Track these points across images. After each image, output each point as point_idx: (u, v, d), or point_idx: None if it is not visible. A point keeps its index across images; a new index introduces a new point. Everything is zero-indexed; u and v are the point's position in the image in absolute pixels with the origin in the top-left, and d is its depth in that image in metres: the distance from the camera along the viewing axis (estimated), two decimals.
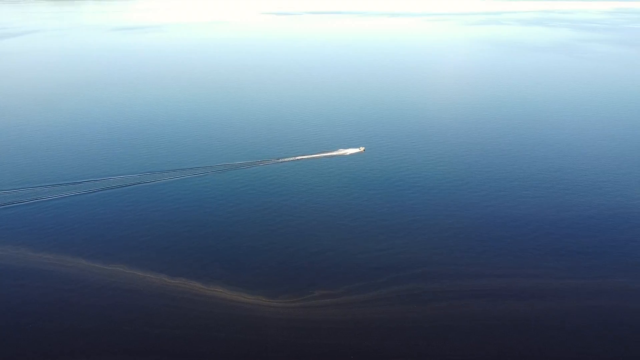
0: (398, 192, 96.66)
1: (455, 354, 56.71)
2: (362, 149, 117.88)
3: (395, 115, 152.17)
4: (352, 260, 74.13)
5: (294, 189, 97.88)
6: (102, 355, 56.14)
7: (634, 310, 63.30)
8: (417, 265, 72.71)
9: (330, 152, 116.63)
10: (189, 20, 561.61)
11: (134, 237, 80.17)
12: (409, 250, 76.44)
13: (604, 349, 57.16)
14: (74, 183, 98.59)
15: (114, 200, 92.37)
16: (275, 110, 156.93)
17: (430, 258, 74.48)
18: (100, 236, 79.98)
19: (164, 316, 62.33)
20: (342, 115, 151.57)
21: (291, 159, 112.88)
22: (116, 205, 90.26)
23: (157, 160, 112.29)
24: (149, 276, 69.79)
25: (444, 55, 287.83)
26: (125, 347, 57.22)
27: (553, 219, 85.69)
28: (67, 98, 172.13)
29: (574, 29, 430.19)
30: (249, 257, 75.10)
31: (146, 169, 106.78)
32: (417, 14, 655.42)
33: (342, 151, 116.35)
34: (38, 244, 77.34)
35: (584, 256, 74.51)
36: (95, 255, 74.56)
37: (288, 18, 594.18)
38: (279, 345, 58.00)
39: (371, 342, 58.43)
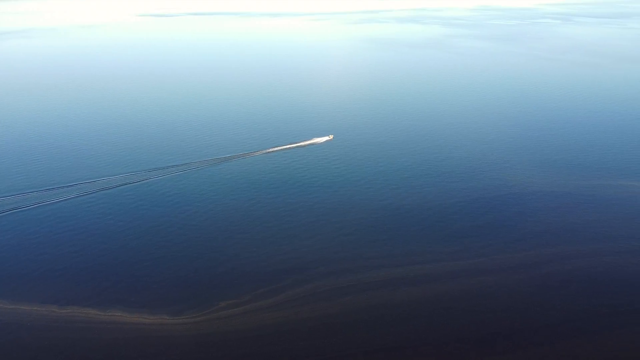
0: (299, 192, 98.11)
1: (365, 344, 59.22)
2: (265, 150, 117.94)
3: (260, 118, 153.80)
4: (256, 266, 74.16)
5: (210, 194, 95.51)
6: None
7: (513, 283, 70.38)
8: (320, 263, 74.65)
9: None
10: (68, 22, 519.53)
11: (12, 266, 73.21)
12: (313, 250, 78.17)
13: (494, 321, 63.03)
14: None
15: None
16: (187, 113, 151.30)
17: (332, 255, 76.75)
18: None
19: (57, 351, 57.84)
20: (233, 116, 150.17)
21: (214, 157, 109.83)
22: None
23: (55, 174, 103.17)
24: (35, 309, 64.25)
25: (329, 54, 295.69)
26: None
27: (441, 206, 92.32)
28: None
29: (445, 25, 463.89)
30: (147, 274, 72.09)
31: (30, 187, 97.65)
32: (298, 13, 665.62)
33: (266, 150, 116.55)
34: None
35: (469, 239, 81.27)
36: None
37: (170, 20, 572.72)
38: None
39: (282, 346, 59.08)
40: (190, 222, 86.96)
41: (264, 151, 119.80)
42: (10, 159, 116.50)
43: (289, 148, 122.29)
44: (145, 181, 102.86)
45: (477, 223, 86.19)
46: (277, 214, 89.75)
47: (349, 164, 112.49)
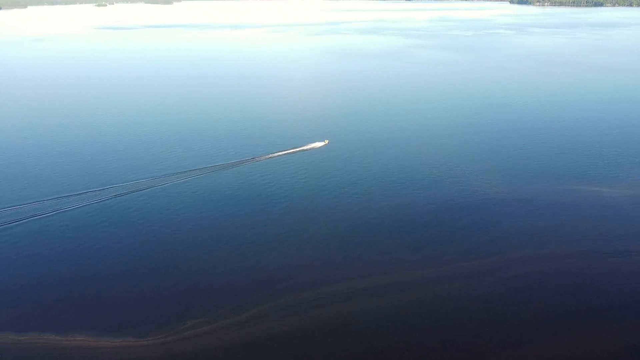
0: (265, 204, 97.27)
1: (337, 357, 58.79)
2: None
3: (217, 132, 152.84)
4: (224, 281, 72.88)
5: (178, 208, 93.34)
6: None
7: (482, 287, 71.52)
8: (290, 276, 73.97)
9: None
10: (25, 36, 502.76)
11: None
12: (281, 263, 77.42)
13: (465, 326, 63.79)
14: None
15: None
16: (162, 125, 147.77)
17: (302, 267, 76.19)
18: None
19: None
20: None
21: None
22: None
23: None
24: None
25: (296, 64, 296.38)
26: None
27: (409, 215, 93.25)
28: None
29: (404, 36, 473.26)
30: (111, 294, 69.73)
31: None
32: (258, 25, 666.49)
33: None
34: None
35: (438, 247, 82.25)
36: None
37: (131, 33, 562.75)
38: None
39: None
40: (156, 237, 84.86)
41: (230, 163, 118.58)
42: None
43: (250, 161, 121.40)
44: (104, 201, 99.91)
45: (445, 231, 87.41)
46: (243, 227, 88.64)
47: (315, 177, 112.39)
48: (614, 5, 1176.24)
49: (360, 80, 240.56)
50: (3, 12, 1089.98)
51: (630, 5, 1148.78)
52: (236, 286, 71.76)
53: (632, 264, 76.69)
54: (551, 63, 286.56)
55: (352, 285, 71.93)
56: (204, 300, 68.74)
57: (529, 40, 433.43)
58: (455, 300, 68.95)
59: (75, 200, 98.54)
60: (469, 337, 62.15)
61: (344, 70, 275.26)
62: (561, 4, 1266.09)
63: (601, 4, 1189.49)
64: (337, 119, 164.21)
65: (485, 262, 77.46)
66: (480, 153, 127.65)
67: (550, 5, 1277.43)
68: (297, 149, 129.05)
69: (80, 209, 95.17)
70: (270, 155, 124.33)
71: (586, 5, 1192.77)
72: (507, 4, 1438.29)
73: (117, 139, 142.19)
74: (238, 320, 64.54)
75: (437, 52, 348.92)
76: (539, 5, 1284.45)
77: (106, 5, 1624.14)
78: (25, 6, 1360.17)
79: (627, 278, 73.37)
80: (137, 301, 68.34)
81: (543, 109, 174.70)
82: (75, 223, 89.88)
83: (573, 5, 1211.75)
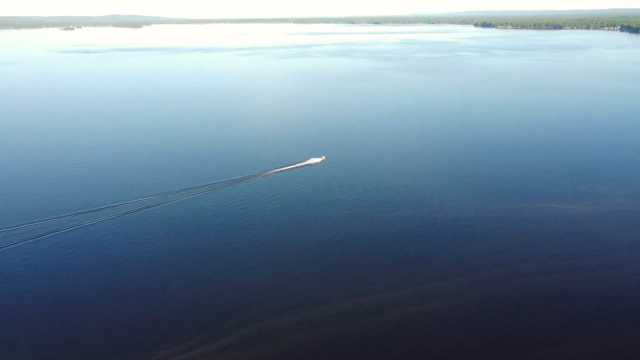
0: (239, 227, 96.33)
1: None
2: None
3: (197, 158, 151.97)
4: (198, 307, 71.46)
5: (149, 234, 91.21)
6: None
7: (454, 307, 72.04)
8: (265, 301, 73.04)
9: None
10: None
11: None
12: (257, 287, 76.51)
13: (438, 345, 63.93)
14: None
15: None
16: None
17: (277, 291, 75.39)
18: None
19: None
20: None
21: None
22: None
23: None
24: None
25: (269, 87, 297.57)
26: None
27: (381, 236, 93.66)
28: None
29: (374, 59, 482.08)
30: (76, 325, 67.35)
31: None
32: (229, 48, 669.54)
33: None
34: None
35: (410, 268, 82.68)
36: None
37: (97, 56, 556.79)
38: None
39: None
40: (128, 263, 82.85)
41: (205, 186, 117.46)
42: None
43: (232, 182, 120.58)
44: (75, 227, 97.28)
45: (417, 251, 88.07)
46: (217, 251, 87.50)
47: (289, 200, 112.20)
48: (572, 28, 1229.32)
49: (336, 101, 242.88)
50: None
51: (588, 28, 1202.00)
52: (210, 312, 70.46)
53: (602, 279, 78.49)
54: (516, 84, 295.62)
55: (327, 309, 71.46)
56: (177, 328, 67.14)
57: (494, 62, 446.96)
58: (432, 320, 69.21)
59: (44, 226, 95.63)
60: (446, 357, 62.24)
61: (318, 91, 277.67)
62: (523, 27, 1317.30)
63: (561, 27, 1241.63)
64: (308, 143, 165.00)
65: (460, 281, 78.24)
66: (451, 173, 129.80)
67: (512, 28, 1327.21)
68: (270, 172, 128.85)
69: (50, 236, 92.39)
70: (235, 179, 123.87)
71: (547, 28, 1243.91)
72: (471, 27, 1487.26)
73: (109, 159, 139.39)
74: (209, 350, 63.10)
75: (407, 74, 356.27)
76: (502, 28, 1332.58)
77: (73, 29, 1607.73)
78: None
79: (598, 292, 75.04)
80: (105, 332, 66.24)
81: (509, 129, 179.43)
82: (44, 249, 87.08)
83: (534, 28, 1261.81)
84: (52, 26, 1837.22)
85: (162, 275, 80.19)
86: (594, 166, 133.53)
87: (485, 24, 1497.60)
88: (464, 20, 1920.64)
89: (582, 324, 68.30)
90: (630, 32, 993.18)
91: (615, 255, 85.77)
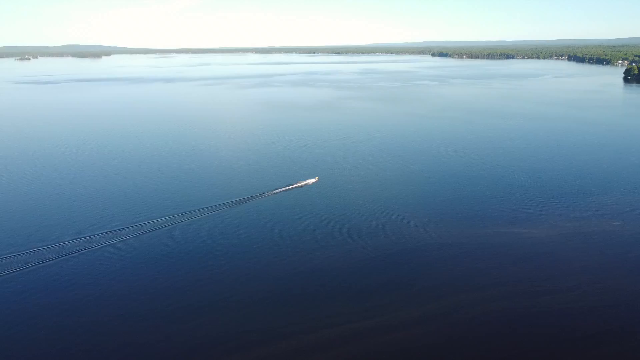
0: (192, 265, 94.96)
1: None
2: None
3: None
4: (151, 352, 69.50)
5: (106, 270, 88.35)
6: None
7: (421, 336, 72.60)
8: (225, 340, 71.59)
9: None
10: None
11: None
12: (216, 325, 75.14)
13: None
14: None
15: None
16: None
17: (238, 329, 74.19)
18: None
19: None
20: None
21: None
22: None
23: None
24: None
25: (232, 117, 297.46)
26: None
27: (344, 266, 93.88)
28: None
29: (335, 88, 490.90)
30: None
31: None
32: (190, 78, 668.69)
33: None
34: None
35: (374, 297, 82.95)
36: None
37: (54, 87, 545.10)
38: None
39: None
40: (97, 302, 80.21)
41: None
42: None
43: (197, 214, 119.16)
44: (64, 256, 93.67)
45: (381, 280, 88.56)
46: (166, 292, 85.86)
47: (248, 234, 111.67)
48: (523, 57, 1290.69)
49: (299, 129, 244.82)
50: None
51: (538, 57, 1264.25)
52: (169, 357, 68.77)
53: (564, 301, 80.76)
54: (472, 112, 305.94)
55: (291, 344, 70.52)
56: None
57: (451, 90, 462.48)
58: (400, 351, 69.41)
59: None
60: None
61: (282, 120, 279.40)
62: (478, 56, 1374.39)
63: (513, 57, 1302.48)
64: (266, 174, 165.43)
65: (423, 310, 78.77)
66: (412, 199, 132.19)
67: (468, 57, 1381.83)
68: (234, 201, 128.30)
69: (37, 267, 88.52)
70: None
71: (500, 58, 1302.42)
72: (429, 57, 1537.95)
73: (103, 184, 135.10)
74: None
75: (369, 103, 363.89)
76: (458, 58, 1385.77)
77: (29, 59, 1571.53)
78: None
79: (561, 314, 77.20)
80: None
81: (467, 155, 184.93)
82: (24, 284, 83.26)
83: (488, 58, 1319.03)
84: (7, 56, 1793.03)
85: (108, 317, 77.79)
86: (548, 191, 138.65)
87: (442, 54, 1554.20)
88: (421, 50, 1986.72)
89: (547, 346, 69.89)
90: (576, 61, 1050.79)
91: (575, 277, 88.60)
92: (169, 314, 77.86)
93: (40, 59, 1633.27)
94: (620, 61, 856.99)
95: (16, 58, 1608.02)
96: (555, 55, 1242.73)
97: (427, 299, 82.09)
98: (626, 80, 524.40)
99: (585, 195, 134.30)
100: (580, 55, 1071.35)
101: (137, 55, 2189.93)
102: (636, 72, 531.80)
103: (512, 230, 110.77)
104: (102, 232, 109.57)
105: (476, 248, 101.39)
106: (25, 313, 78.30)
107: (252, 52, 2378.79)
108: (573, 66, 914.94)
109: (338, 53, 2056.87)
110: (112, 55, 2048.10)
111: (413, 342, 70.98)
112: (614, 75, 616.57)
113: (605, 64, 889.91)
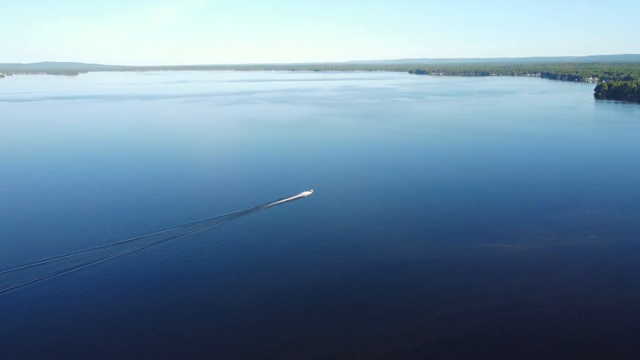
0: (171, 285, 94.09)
1: None
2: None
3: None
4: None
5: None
6: None
7: (406, 353, 73.11)
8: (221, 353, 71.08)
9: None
10: None
11: None
12: (195, 347, 74.46)
13: None
14: None
15: None
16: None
17: (218, 351, 73.65)
18: None
19: None
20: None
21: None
22: None
23: None
24: None
25: (213, 135, 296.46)
26: None
27: (324, 284, 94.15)
28: None
29: (315, 105, 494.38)
30: None
31: None
32: (168, 96, 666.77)
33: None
34: None
35: (354, 315, 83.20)
36: None
37: (29, 105, 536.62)
38: None
39: None
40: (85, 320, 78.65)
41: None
42: None
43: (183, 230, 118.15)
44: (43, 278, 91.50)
45: (367, 296, 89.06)
46: (144, 313, 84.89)
47: (226, 253, 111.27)
48: (498, 74, 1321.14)
49: (279, 146, 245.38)
50: None
51: (512, 74, 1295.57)
52: None
53: (544, 314, 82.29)
54: (450, 128, 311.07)
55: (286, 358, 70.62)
56: None
57: (429, 107, 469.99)
58: None
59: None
60: None
61: (264, 136, 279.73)
62: (454, 73, 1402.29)
63: (488, 74, 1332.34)
64: (246, 192, 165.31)
65: (405, 327, 79.35)
66: (393, 215, 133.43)
67: (444, 74, 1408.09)
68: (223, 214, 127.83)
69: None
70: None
71: (475, 75, 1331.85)
72: (406, 74, 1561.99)
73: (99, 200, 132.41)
74: None
75: (348, 119, 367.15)
76: (434, 75, 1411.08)
77: (3, 77, 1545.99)
78: None
79: (541, 327, 78.55)
80: None
81: (445, 172, 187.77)
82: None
83: (464, 75, 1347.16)
84: None
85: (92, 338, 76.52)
86: (525, 206, 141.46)
87: (420, 71, 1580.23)
88: (399, 68, 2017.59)
89: (531, 358, 71.13)
90: (549, 78, 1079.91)
91: (554, 290, 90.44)
92: (157, 332, 76.82)
93: (15, 76, 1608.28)
94: (590, 78, 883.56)
95: None
96: (529, 73, 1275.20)
97: (408, 315, 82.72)
98: (597, 96, 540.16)
99: (561, 209, 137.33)
100: (553, 72, 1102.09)
101: (115, 72, 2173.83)
102: (606, 88, 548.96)
103: (492, 245, 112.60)
104: (84, 250, 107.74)
105: (458, 263, 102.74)
106: (13, 333, 76.42)
107: (231, 69, 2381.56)
108: (546, 83, 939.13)
109: (317, 70, 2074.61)
110: (89, 73, 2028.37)
111: (403, 355, 71.27)
112: (586, 92, 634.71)
113: (577, 81, 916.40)
